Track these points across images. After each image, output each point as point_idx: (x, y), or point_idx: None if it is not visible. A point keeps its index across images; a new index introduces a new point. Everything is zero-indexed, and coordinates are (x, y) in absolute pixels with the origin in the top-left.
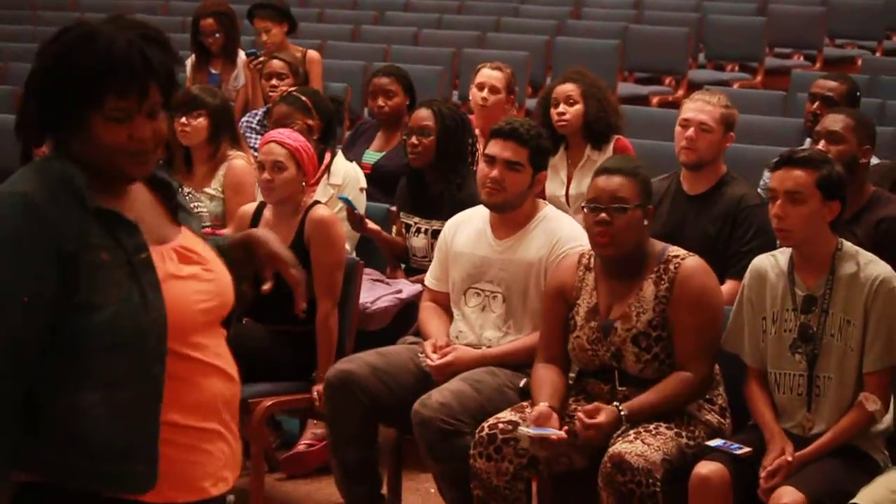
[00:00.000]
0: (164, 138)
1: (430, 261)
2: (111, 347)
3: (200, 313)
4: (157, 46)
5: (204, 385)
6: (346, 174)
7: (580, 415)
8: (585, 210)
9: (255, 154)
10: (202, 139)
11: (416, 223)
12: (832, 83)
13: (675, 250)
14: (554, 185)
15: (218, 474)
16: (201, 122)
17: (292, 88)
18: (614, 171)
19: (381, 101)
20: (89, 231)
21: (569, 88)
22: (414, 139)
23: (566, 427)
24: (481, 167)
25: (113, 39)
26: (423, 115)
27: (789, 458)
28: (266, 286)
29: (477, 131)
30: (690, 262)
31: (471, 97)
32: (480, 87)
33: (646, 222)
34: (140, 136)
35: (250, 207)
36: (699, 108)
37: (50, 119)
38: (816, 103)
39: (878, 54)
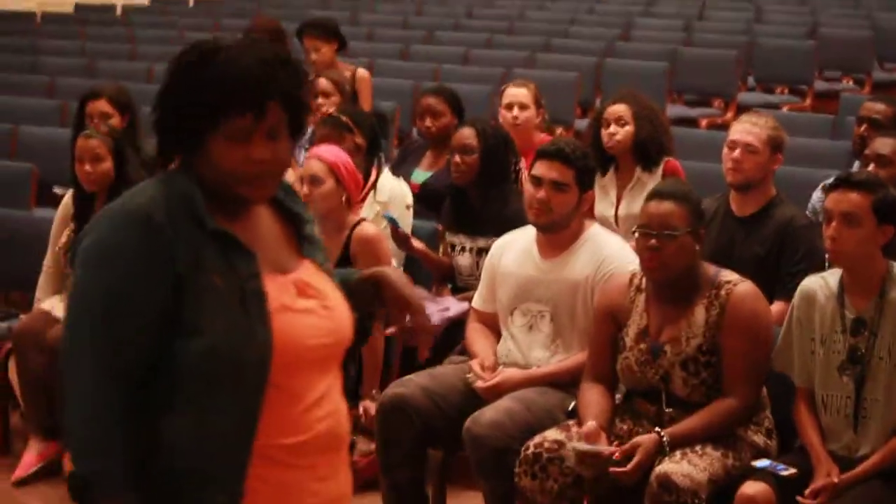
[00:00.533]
0: (287, 163)
1: (476, 279)
2: (208, 374)
3: (311, 349)
4: (284, 67)
5: (304, 422)
6: (393, 191)
7: (619, 469)
8: (636, 234)
9: None
10: None
11: (460, 242)
12: (880, 106)
13: (727, 275)
14: (603, 205)
15: None
16: None
17: (331, 110)
18: (666, 197)
19: (428, 122)
20: (204, 252)
21: (620, 109)
22: (458, 158)
23: (616, 443)
24: (527, 188)
25: (235, 56)
26: (467, 133)
27: (835, 481)
28: (391, 329)
29: None
30: (742, 287)
31: (500, 119)
32: (509, 107)
33: (697, 247)
34: (259, 157)
35: None
36: (746, 129)
37: (172, 137)
38: (864, 126)
39: None
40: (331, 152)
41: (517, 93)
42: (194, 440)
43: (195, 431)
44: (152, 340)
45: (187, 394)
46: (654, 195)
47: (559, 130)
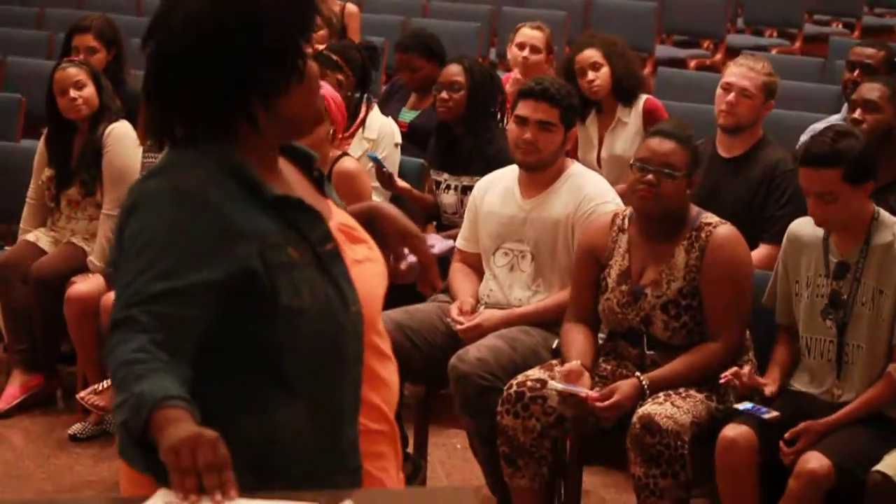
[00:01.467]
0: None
1: (460, 217)
2: (313, 353)
3: (381, 299)
4: None
5: (385, 382)
6: (382, 129)
7: (597, 403)
8: (633, 168)
9: None
10: None
11: (445, 180)
12: (870, 50)
13: (708, 217)
14: (586, 148)
15: (397, 480)
16: None
17: (323, 46)
18: (668, 136)
19: (406, 75)
20: (267, 226)
21: (592, 54)
22: (444, 94)
23: (597, 388)
24: (512, 128)
25: None
26: (454, 70)
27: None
28: (404, 264)
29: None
30: (722, 230)
31: (510, 56)
32: (521, 46)
33: (689, 192)
34: (319, 91)
35: None
36: (742, 73)
37: (223, 96)
38: (856, 71)
39: None
40: (323, 90)
41: (532, 34)
42: (314, 424)
43: (314, 416)
44: (206, 326)
45: (300, 379)
46: (657, 133)
47: None
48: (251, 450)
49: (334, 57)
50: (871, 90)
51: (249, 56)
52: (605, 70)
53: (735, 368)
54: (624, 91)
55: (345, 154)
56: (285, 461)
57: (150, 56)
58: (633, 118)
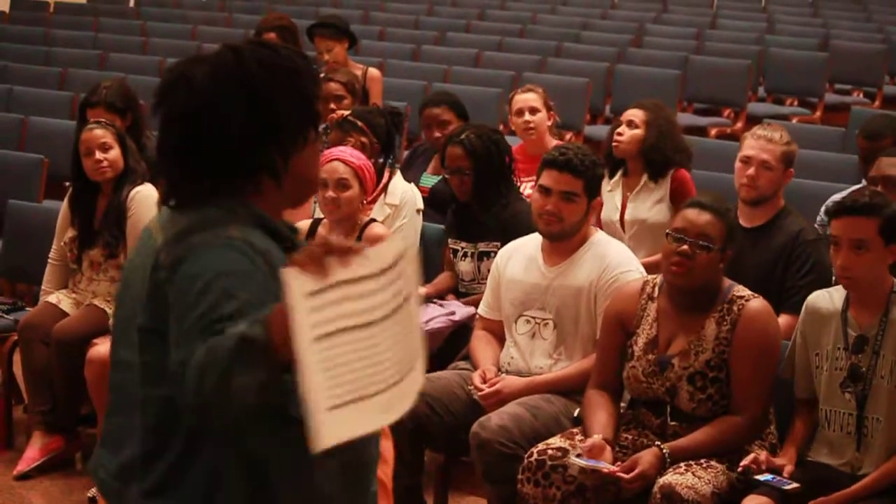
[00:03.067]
0: None
1: (477, 284)
2: None
3: None
4: None
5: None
6: (404, 195)
7: (620, 473)
8: (669, 238)
9: None
10: None
11: (462, 248)
12: (881, 143)
13: (740, 290)
14: (608, 209)
15: None
16: None
17: (347, 112)
18: (706, 208)
19: (436, 132)
20: None
21: (635, 113)
22: (455, 179)
23: (619, 462)
24: (535, 197)
25: (298, 57)
26: (457, 153)
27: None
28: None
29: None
30: (755, 304)
31: (513, 127)
32: (520, 112)
33: (722, 265)
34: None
35: (305, 224)
36: (761, 146)
37: (251, 155)
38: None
39: None
40: (355, 155)
41: (526, 98)
42: (344, 481)
43: (345, 473)
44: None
45: None
46: (695, 204)
47: (568, 136)
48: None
49: (359, 123)
50: (891, 166)
51: (269, 130)
52: (637, 132)
53: (753, 455)
54: (649, 161)
55: (373, 220)
56: None
57: (170, 119)
58: (659, 188)
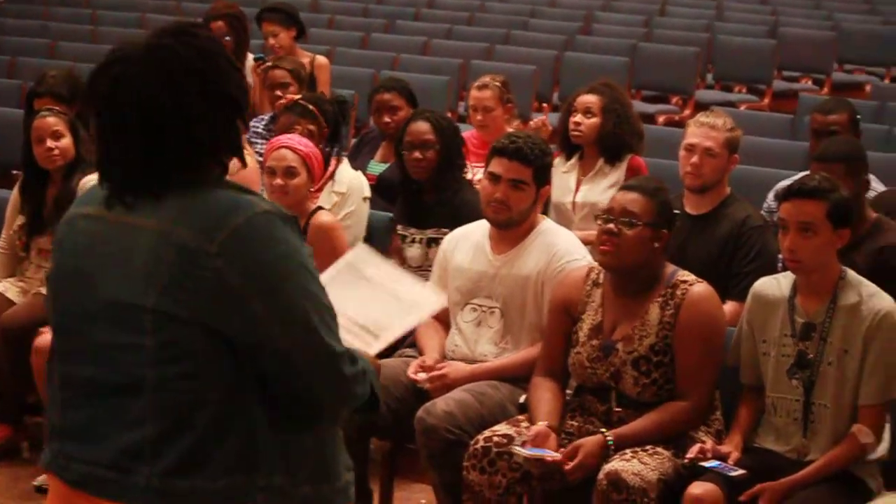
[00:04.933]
0: None
1: (425, 270)
2: None
3: None
4: None
5: None
6: (351, 182)
7: (562, 463)
8: (598, 221)
9: (260, 159)
10: None
11: (410, 234)
12: (833, 116)
13: (684, 275)
14: (562, 190)
15: None
16: None
17: (297, 97)
18: (632, 188)
19: (386, 118)
20: None
21: (590, 100)
22: (417, 153)
23: (562, 449)
24: (484, 184)
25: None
26: (424, 128)
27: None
28: None
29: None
30: (698, 288)
31: (470, 118)
32: (474, 109)
33: (656, 245)
34: None
35: None
36: (704, 133)
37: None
38: (823, 141)
39: (886, 81)
40: (302, 143)
41: (480, 96)
42: (333, 435)
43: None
44: None
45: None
46: (624, 187)
47: (533, 122)
48: (307, 461)
49: (310, 106)
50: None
51: (226, 115)
52: (595, 120)
53: (699, 446)
54: (605, 147)
55: (320, 208)
56: (329, 467)
57: (126, 108)
58: (615, 172)
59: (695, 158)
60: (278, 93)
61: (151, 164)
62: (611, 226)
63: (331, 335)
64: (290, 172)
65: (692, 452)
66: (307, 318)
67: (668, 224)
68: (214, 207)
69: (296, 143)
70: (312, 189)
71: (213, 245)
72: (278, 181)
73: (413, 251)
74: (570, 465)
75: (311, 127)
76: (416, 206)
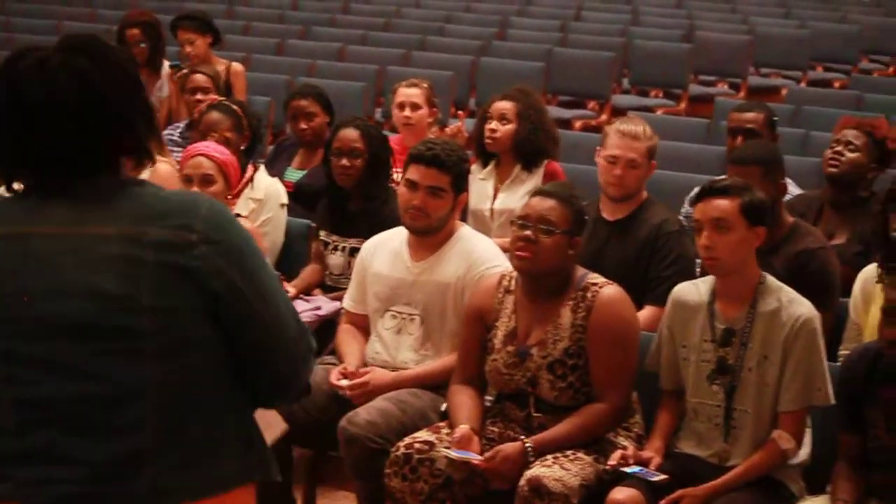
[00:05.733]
0: None
1: (347, 278)
2: None
3: None
4: None
5: None
6: (268, 189)
7: (482, 466)
8: (514, 225)
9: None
10: None
11: (333, 241)
12: (750, 115)
13: (594, 277)
14: (479, 198)
15: None
16: None
17: (221, 98)
18: (549, 195)
19: (302, 124)
20: None
21: (505, 106)
22: (345, 161)
23: (487, 454)
24: (402, 192)
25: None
26: (353, 136)
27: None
28: None
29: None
30: (608, 290)
31: (394, 118)
32: (401, 106)
33: (571, 251)
34: None
35: None
36: (627, 145)
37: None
38: (739, 138)
39: (802, 84)
40: (219, 150)
41: (409, 93)
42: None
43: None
44: None
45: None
46: (538, 192)
47: (449, 129)
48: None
49: (234, 107)
50: (748, 121)
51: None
52: (510, 126)
53: (620, 452)
54: (522, 154)
55: (238, 215)
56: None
57: (51, 109)
58: (532, 178)
59: (617, 171)
60: (198, 97)
61: (78, 165)
62: (528, 232)
63: (292, 310)
64: (206, 180)
65: (614, 459)
66: (279, 293)
67: (581, 230)
68: (173, 203)
69: (212, 151)
70: (229, 196)
71: (194, 234)
72: (195, 189)
73: (335, 259)
74: (488, 473)
75: (228, 134)
76: (341, 214)
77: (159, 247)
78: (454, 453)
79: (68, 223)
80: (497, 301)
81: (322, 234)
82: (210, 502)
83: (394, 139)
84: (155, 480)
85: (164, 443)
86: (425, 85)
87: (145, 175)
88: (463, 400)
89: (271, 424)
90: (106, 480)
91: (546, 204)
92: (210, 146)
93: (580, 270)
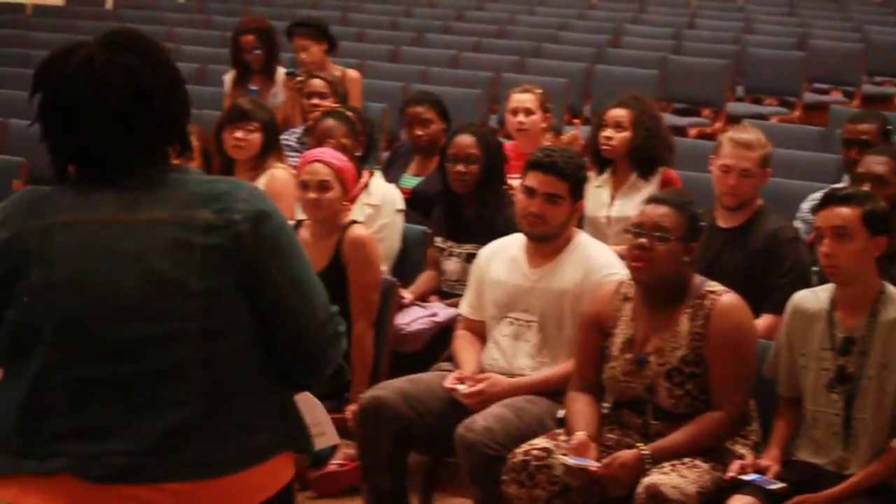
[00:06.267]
0: None
1: (462, 285)
2: None
3: None
4: None
5: None
6: (384, 195)
7: (599, 473)
8: (629, 233)
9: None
10: (254, 153)
11: (449, 247)
12: (864, 126)
13: (712, 285)
14: (596, 205)
15: None
16: (256, 136)
17: (336, 105)
18: (663, 202)
19: (418, 130)
20: None
21: (620, 114)
22: (461, 166)
23: (604, 461)
24: (520, 198)
25: None
26: (468, 141)
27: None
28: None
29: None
30: (726, 298)
31: (507, 124)
32: (514, 112)
33: (686, 258)
34: None
35: None
36: (740, 154)
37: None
38: (853, 150)
39: None
40: (336, 157)
41: (522, 98)
42: None
43: None
44: None
45: None
46: (653, 199)
47: (565, 136)
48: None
49: (349, 114)
50: (878, 164)
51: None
52: (625, 134)
53: (739, 463)
54: (637, 161)
55: (354, 222)
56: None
57: (106, 103)
58: (648, 185)
59: (731, 180)
60: (315, 101)
61: (127, 156)
62: (643, 240)
63: (324, 294)
64: (323, 186)
65: (732, 470)
66: (311, 278)
67: (697, 237)
68: (216, 188)
69: (329, 157)
70: (346, 202)
71: (236, 215)
72: (311, 195)
73: (451, 265)
74: (607, 478)
75: (344, 140)
76: (456, 220)
77: (206, 230)
78: (571, 460)
79: (121, 210)
80: (615, 308)
81: (438, 240)
82: (249, 472)
83: (508, 145)
84: (198, 453)
85: (206, 418)
86: (538, 91)
87: (262, 181)
88: (580, 407)
89: (325, 433)
90: (153, 454)
91: (660, 211)
92: (327, 152)
93: (698, 278)
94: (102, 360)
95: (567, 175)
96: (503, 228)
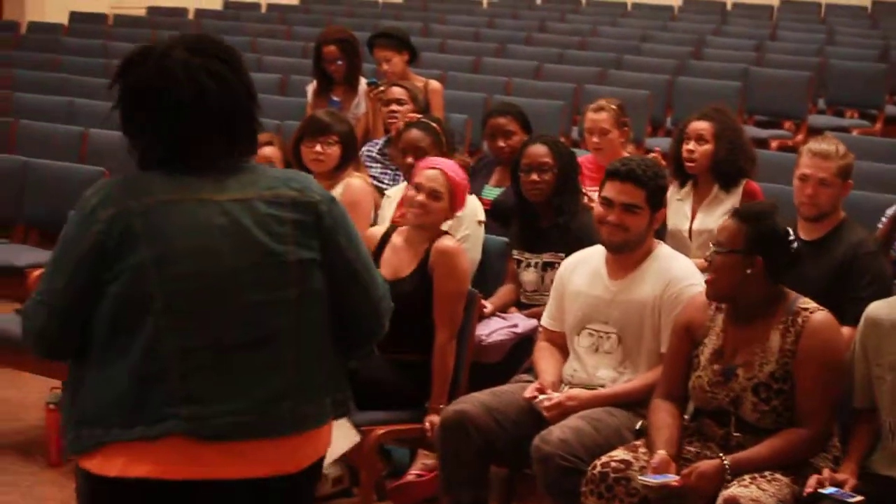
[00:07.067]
0: None
1: (540, 295)
2: None
3: None
4: None
5: None
6: (466, 206)
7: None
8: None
9: (376, 183)
10: (333, 166)
11: (526, 258)
12: None
13: (805, 302)
14: (678, 218)
15: None
16: (335, 149)
17: (413, 115)
18: (733, 215)
19: (500, 142)
20: None
21: (702, 126)
22: (534, 176)
23: (684, 472)
24: (598, 209)
25: None
26: (541, 151)
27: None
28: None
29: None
30: (819, 316)
31: (586, 141)
32: (590, 132)
33: (749, 271)
34: None
35: (378, 231)
36: (818, 164)
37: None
38: None
39: None
40: (456, 171)
41: (596, 119)
42: None
43: None
44: None
45: None
46: (732, 214)
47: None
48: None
49: (433, 124)
50: None
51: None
52: (707, 147)
53: (816, 478)
54: (721, 174)
55: (445, 232)
56: None
57: (203, 102)
58: (730, 198)
59: (809, 189)
60: (394, 108)
61: (215, 148)
62: (708, 254)
63: (379, 272)
64: (435, 195)
65: (810, 486)
66: (370, 257)
67: (766, 249)
68: (287, 173)
69: (449, 169)
70: (449, 219)
71: (316, 194)
72: (421, 198)
73: (528, 275)
74: (688, 485)
75: (428, 151)
76: (532, 230)
77: (294, 205)
78: (652, 479)
79: (214, 191)
80: (708, 318)
81: (515, 252)
82: (325, 427)
83: (588, 157)
84: (293, 411)
85: (298, 380)
86: (613, 106)
87: (338, 190)
88: (663, 418)
89: (347, 436)
90: (256, 412)
91: (722, 224)
92: (450, 164)
93: (791, 294)
94: (213, 327)
95: (644, 182)
96: (579, 236)
